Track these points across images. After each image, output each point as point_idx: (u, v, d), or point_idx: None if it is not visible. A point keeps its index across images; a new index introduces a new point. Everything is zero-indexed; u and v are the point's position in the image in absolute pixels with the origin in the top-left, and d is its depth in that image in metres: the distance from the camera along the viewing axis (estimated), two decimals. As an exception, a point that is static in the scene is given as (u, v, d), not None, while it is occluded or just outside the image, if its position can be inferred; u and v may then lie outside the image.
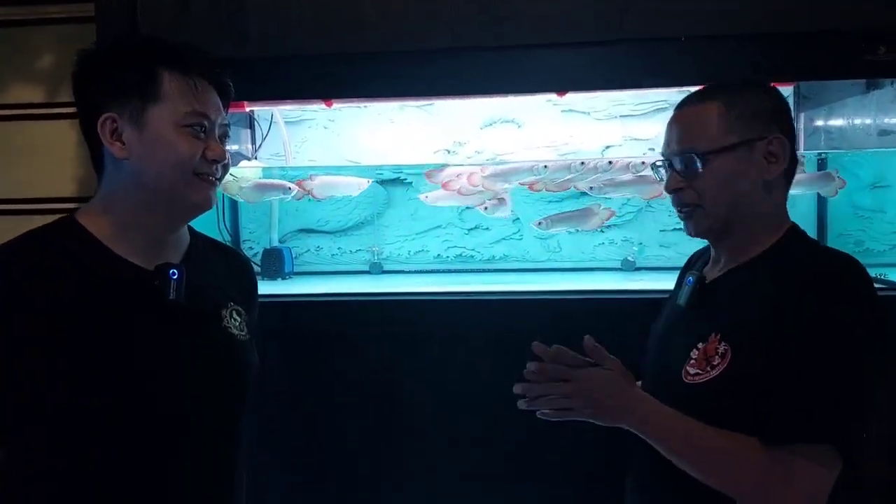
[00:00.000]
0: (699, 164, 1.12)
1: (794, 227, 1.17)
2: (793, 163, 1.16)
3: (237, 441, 1.20)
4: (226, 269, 1.25)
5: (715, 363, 1.08)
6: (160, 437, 1.07)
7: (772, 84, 1.84)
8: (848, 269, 1.06)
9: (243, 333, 1.19)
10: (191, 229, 1.23)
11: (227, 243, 2.44)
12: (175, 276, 1.08)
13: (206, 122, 1.08)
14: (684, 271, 1.38)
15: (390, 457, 1.94)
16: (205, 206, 1.12)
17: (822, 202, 2.32)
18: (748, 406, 1.03)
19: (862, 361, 1.02)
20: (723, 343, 1.08)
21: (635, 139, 2.43)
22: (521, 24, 1.80)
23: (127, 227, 1.09)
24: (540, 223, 2.26)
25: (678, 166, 1.16)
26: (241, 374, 1.19)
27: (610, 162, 2.16)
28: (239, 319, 1.19)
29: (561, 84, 1.88)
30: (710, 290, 1.18)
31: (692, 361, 1.11)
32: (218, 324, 1.16)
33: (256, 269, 2.37)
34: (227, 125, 1.14)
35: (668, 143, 1.20)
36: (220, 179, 1.14)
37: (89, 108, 1.08)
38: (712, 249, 1.24)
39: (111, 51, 1.09)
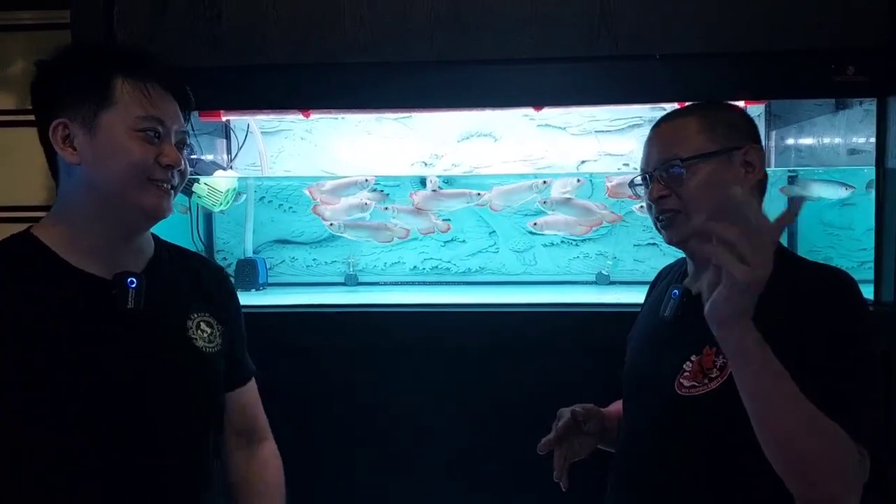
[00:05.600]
0: (682, 170, 1.16)
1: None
2: (764, 176, 1.20)
3: (203, 454, 1.18)
4: (195, 279, 1.23)
5: (713, 376, 1.09)
6: (119, 446, 1.06)
7: (744, 103, 1.91)
8: (845, 283, 1.08)
9: (211, 345, 1.17)
10: (158, 239, 1.22)
11: (201, 253, 2.43)
12: (133, 285, 1.07)
13: (159, 128, 1.07)
14: (654, 285, 1.41)
15: (364, 469, 1.93)
16: (158, 213, 1.10)
17: (792, 219, 2.35)
18: (749, 419, 1.01)
19: (875, 368, 1.04)
20: (720, 356, 1.08)
21: (610, 154, 2.45)
22: (497, 38, 1.81)
23: (82, 237, 1.08)
24: (535, 224, 2.30)
25: (661, 175, 1.19)
26: (203, 384, 1.17)
27: (544, 181, 2.22)
28: (209, 330, 1.18)
29: (537, 99, 1.90)
30: (697, 303, 1.15)
31: (686, 374, 1.12)
32: (181, 334, 1.14)
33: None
34: (186, 133, 1.13)
35: (647, 160, 1.23)
36: (177, 188, 1.12)
37: (43, 115, 1.07)
38: (690, 263, 1.26)
39: (64, 57, 1.08)
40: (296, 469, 1.93)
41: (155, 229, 1.18)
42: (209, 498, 1.21)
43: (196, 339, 1.16)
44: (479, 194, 2.23)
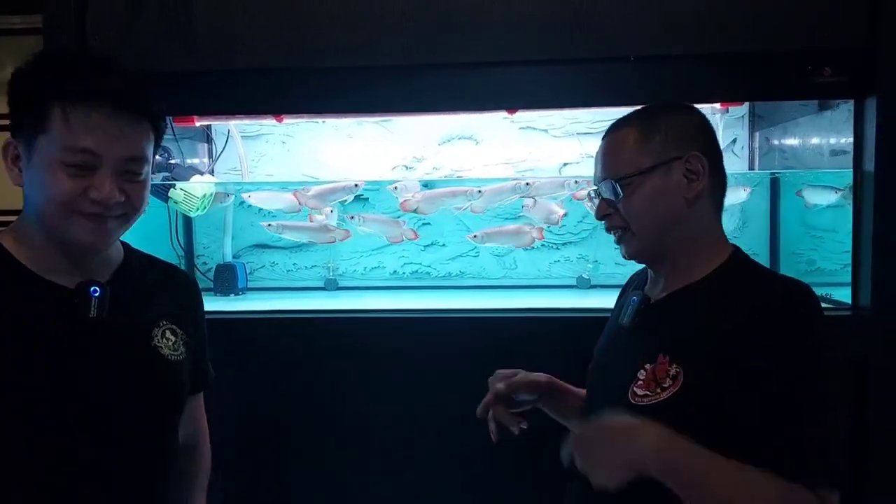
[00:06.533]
0: (620, 190, 1.15)
1: (737, 250, 1.18)
2: (719, 182, 1.17)
3: (168, 457, 1.18)
4: (164, 287, 1.22)
5: (665, 385, 1.07)
6: (85, 453, 1.05)
7: (720, 104, 1.89)
8: (802, 297, 1.07)
9: (176, 353, 1.17)
10: (128, 247, 1.21)
11: (181, 258, 2.42)
12: (97, 294, 1.06)
13: (91, 160, 1.01)
14: (624, 291, 1.39)
15: (341, 473, 1.92)
16: (90, 245, 1.06)
17: (774, 221, 2.34)
18: (701, 430, 1.01)
19: (827, 387, 1.03)
20: (674, 365, 1.07)
21: (591, 156, 2.43)
22: (472, 41, 1.80)
23: (40, 250, 1.07)
24: (475, 236, 2.29)
25: (604, 194, 1.18)
26: (167, 392, 1.16)
27: (527, 183, 2.21)
28: (173, 339, 1.17)
29: (511, 102, 1.88)
30: (654, 310, 1.18)
31: (639, 382, 1.10)
32: (146, 342, 1.14)
33: (209, 284, 2.36)
34: (140, 159, 1.05)
35: (595, 174, 1.23)
36: (125, 216, 1.07)
37: (9, 128, 1.05)
38: (650, 270, 1.25)
39: (17, 76, 1.05)
40: (271, 472, 1.93)
41: (134, 233, 1.17)
42: (172, 498, 1.21)
43: (161, 346, 1.15)
44: (479, 191, 2.20)
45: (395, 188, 2.23)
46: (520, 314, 1.96)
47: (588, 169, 2.33)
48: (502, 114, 2.30)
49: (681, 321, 1.13)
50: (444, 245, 2.38)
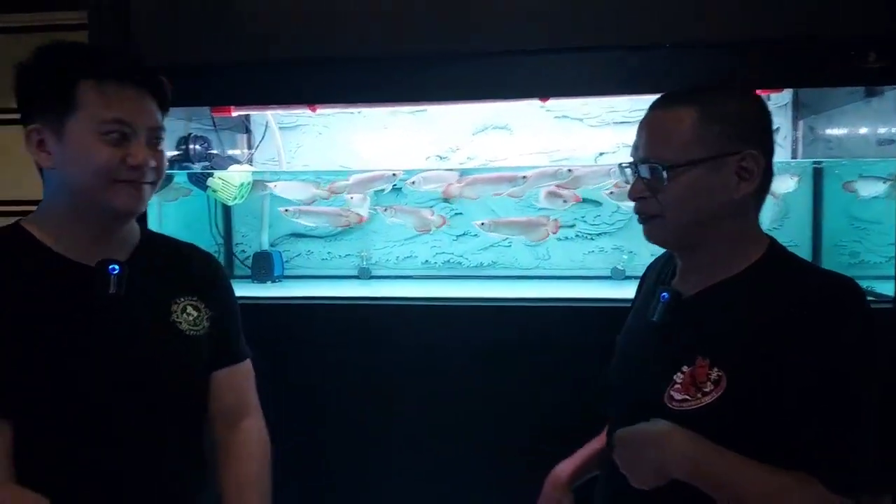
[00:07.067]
0: (664, 176, 1.05)
1: (774, 242, 1.11)
2: (768, 179, 1.10)
3: (189, 432, 1.23)
4: (183, 265, 1.27)
5: (707, 390, 1.02)
6: (106, 426, 1.11)
7: (757, 91, 1.85)
8: (845, 292, 1.01)
9: (196, 329, 1.22)
10: (144, 228, 1.27)
11: (220, 246, 2.48)
12: (116, 272, 1.12)
13: (125, 129, 1.09)
14: (643, 280, 1.34)
15: (375, 459, 1.94)
16: (130, 211, 1.14)
17: (817, 212, 2.27)
18: (743, 435, 0.99)
19: (872, 387, 0.99)
20: (715, 368, 1.02)
21: (628, 146, 2.39)
22: (505, 29, 1.79)
23: (66, 230, 1.13)
24: (483, 223, 2.26)
25: (643, 174, 1.09)
26: (185, 365, 1.21)
27: (570, 170, 2.17)
28: (195, 314, 1.22)
29: (542, 90, 1.87)
30: (687, 307, 1.11)
31: (677, 386, 1.05)
32: (164, 317, 1.19)
33: (247, 271, 2.41)
34: (160, 129, 1.15)
35: (636, 147, 1.13)
36: (155, 183, 1.15)
37: (23, 119, 1.11)
38: (678, 260, 1.17)
39: (33, 63, 1.11)
40: (307, 458, 1.96)
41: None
42: (201, 475, 1.26)
43: (180, 322, 1.20)
44: (524, 177, 2.17)
45: (413, 182, 2.24)
46: (553, 304, 1.95)
47: (624, 157, 2.34)
48: (536, 103, 2.29)
49: (718, 320, 1.07)
50: (476, 235, 2.38)
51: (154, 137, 1.14)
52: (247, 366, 1.35)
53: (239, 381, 1.33)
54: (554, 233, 2.27)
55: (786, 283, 1.05)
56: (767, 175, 1.08)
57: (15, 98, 1.12)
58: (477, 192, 2.23)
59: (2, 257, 1.11)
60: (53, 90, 1.08)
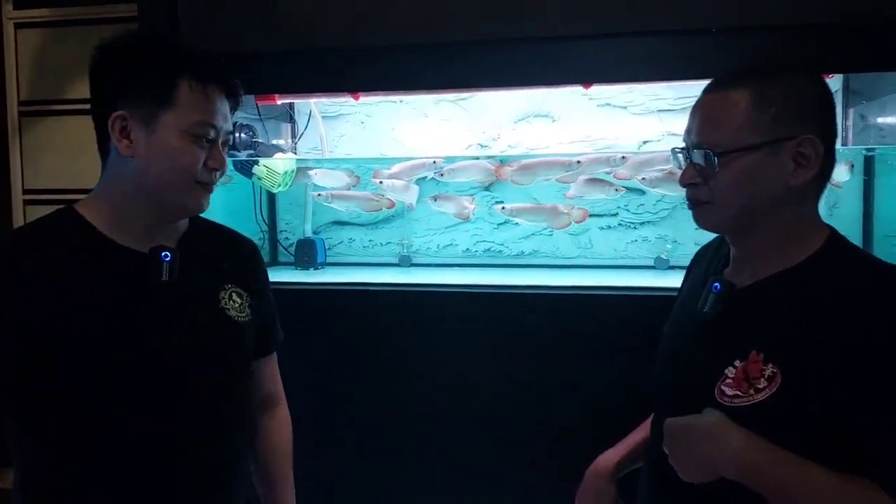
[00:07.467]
0: (716, 162, 1.02)
1: (834, 231, 1.07)
2: (829, 165, 1.05)
3: (238, 418, 1.24)
4: (226, 251, 1.28)
5: (760, 386, 0.98)
6: (159, 414, 1.11)
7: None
8: None
9: (242, 315, 1.23)
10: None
11: (264, 233, 2.52)
12: (168, 259, 1.12)
13: (212, 132, 1.11)
14: (691, 268, 1.30)
15: (413, 445, 1.97)
16: (198, 211, 1.17)
17: (868, 201, 2.21)
18: (797, 434, 0.95)
19: None
20: (770, 364, 0.98)
21: (674, 134, 2.37)
22: (546, 15, 1.78)
23: (123, 217, 1.13)
24: (503, 207, 2.26)
25: (696, 160, 1.05)
26: (236, 353, 1.22)
27: (623, 157, 2.15)
28: (239, 301, 1.23)
29: (586, 76, 1.86)
30: (741, 299, 1.07)
31: (728, 381, 1.01)
32: (214, 304, 1.20)
33: (290, 258, 2.45)
34: (231, 131, 1.18)
35: (688, 132, 1.09)
36: (216, 183, 1.17)
37: (102, 102, 1.11)
38: (732, 248, 1.13)
39: (130, 48, 1.11)
40: (348, 439, 1.99)
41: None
42: (244, 461, 1.28)
43: (228, 308, 1.21)
44: (578, 161, 2.15)
45: (442, 175, 2.25)
46: (595, 292, 1.94)
47: (668, 146, 2.31)
48: (579, 91, 2.27)
49: (775, 314, 1.02)
50: (517, 224, 2.37)
51: (227, 141, 1.16)
52: (275, 353, 1.39)
53: (273, 368, 1.39)
54: (579, 221, 2.25)
55: (847, 275, 1.00)
56: (828, 161, 1.04)
57: (95, 80, 1.12)
58: (529, 177, 2.21)
59: (56, 239, 1.11)
60: (154, 82, 1.08)
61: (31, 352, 1.05)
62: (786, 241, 1.05)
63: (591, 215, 2.35)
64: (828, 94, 1.05)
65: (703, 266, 1.24)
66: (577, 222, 2.25)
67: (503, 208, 2.26)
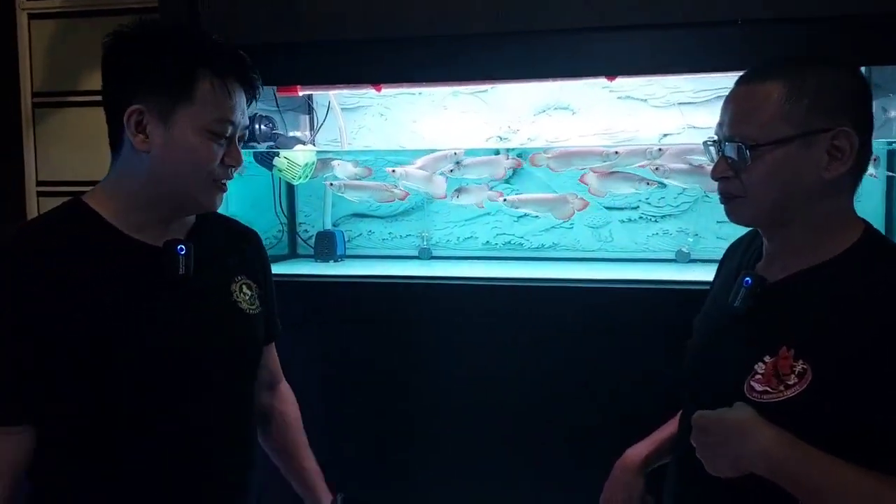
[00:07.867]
0: (748, 156, 1.02)
1: (869, 226, 1.06)
2: (865, 158, 1.04)
3: (250, 408, 1.25)
4: (233, 243, 1.27)
5: (790, 382, 0.97)
6: (175, 409, 1.10)
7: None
8: None
9: (253, 307, 1.22)
10: None
11: (283, 225, 2.53)
12: (183, 252, 1.11)
13: (230, 129, 1.09)
14: (723, 262, 1.30)
15: (431, 438, 1.96)
16: (212, 209, 1.15)
17: (891, 196, 2.19)
18: (827, 433, 0.94)
19: None
20: (800, 361, 0.97)
21: (694, 127, 2.35)
22: (570, 6, 1.77)
23: (134, 210, 1.11)
24: (506, 199, 2.26)
25: (728, 153, 1.05)
26: (249, 344, 1.23)
27: (659, 149, 2.13)
28: (249, 293, 1.23)
29: (610, 68, 1.85)
30: (772, 294, 1.06)
31: (758, 377, 1.00)
32: (227, 297, 1.19)
33: (310, 251, 2.46)
34: (248, 126, 1.16)
35: (720, 124, 1.08)
36: (231, 178, 1.16)
37: (118, 92, 1.08)
38: (766, 242, 1.13)
39: (148, 40, 1.08)
40: (364, 431, 2.00)
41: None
42: (257, 453, 1.29)
43: (240, 301, 1.21)
44: (616, 152, 2.14)
45: (451, 171, 2.25)
46: (616, 285, 1.93)
47: (689, 139, 2.30)
48: (600, 83, 2.26)
49: (807, 310, 1.02)
50: (537, 217, 2.37)
51: (243, 136, 1.15)
52: None
53: (274, 352, 1.41)
54: (580, 210, 2.25)
55: (882, 271, 0.99)
56: (864, 154, 1.03)
57: (109, 69, 1.09)
58: (564, 166, 2.21)
59: (68, 234, 1.08)
60: (173, 76, 1.05)
61: (49, 352, 1.03)
62: (820, 236, 1.04)
63: (611, 208, 2.35)
64: (864, 85, 1.05)
65: (735, 260, 1.23)
66: (578, 210, 2.26)
67: (505, 200, 2.27)
